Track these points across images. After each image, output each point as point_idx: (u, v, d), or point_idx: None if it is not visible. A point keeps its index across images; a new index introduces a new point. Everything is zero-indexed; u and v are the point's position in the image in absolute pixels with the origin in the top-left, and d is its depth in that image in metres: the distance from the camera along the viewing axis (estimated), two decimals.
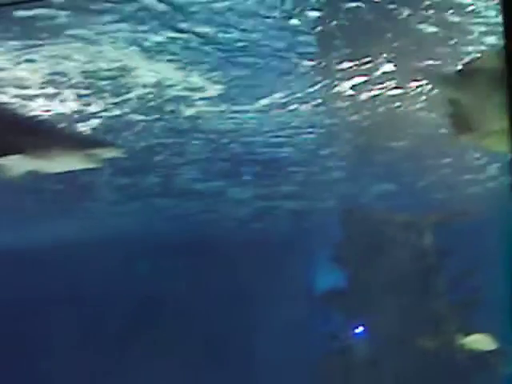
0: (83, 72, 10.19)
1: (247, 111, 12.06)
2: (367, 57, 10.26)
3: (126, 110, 11.67)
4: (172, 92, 11.10)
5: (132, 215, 18.38)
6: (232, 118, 12.38)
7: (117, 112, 11.74)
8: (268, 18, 9.05)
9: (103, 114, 11.72)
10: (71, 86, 10.63)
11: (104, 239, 18.79)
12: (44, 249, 18.89)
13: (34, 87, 10.54)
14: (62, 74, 10.19)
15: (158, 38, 9.40)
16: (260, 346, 19.44)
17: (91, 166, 6.27)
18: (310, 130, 13.20)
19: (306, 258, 20.08)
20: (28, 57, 9.66)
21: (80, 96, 10.90)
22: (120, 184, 15.66)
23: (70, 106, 11.17)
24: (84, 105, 11.28)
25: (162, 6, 8.63)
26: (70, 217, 18.05)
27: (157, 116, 12.03)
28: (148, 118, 12.08)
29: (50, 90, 10.68)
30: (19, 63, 9.75)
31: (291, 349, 18.79)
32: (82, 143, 6.25)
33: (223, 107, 11.80)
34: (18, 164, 6.12)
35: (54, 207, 17.22)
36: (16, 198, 15.33)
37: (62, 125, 6.29)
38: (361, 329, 16.64)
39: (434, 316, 16.07)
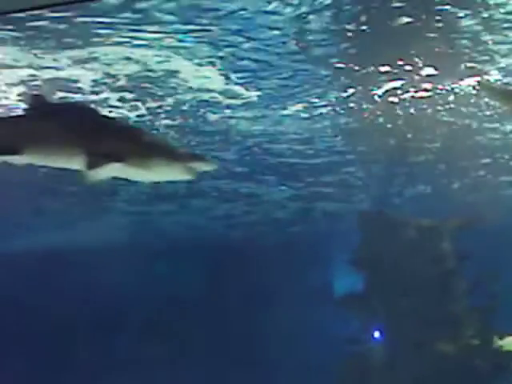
0: (128, 75, 10.54)
1: (281, 115, 12.34)
2: (400, 60, 10.50)
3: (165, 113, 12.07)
4: (210, 96, 11.41)
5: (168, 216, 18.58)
6: (266, 122, 12.69)
7: (155, 115, 12.11)
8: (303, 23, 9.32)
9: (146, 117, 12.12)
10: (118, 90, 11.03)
11: (143, 240, 19.10)
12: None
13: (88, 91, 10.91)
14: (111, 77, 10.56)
15: (198, 45, 9.72)
16: (279, 348, 19.54)
17: (188, 178, 6.27)
18: (340, 133, 13.52)
19: (326, 261, 20.24)
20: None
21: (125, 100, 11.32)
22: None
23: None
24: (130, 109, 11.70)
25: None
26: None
27: (194, 119, 12.35)
28: (185, 120, 12.40)
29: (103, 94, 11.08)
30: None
31: (310, 352, 18.94)
32: (182, 155, 6.31)
33: (259, 112, 12.11)
34: (114, 171, 6.16)
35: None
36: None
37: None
38: (379, 333, 16.70)
39: (453, 320, 16.09)
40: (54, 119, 6.18)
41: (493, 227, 16.26)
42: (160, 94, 11.31)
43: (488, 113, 12.50)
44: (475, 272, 16.29)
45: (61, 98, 10.84)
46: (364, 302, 16.78)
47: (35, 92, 6.82)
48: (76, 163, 6.06)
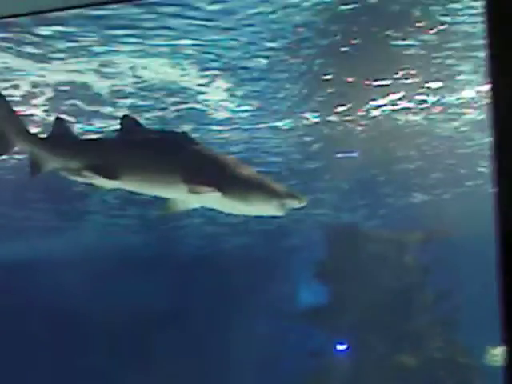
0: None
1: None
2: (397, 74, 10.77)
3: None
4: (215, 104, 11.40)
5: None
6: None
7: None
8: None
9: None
10: None
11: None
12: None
13: None
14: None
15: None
16: (242, 361, 19.26)
17: (280, 214, 6.24)
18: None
19: (289, 274, 20.18)
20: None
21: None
22: None
23: None
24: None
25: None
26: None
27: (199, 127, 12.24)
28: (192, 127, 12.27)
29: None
30: None
31: (273, 365, 18.91)
32: (279, 191, 6.15)
33: (262, 121, 12.16)
34: (210, 201, 6.10)
35: None
36: None
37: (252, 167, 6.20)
38: (342, 346, 16.62)
39: (416, 333, 16.15)
40: (151, 146, 6.17)
41: (455, 239, 16.43)
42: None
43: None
44: (439, 284, 16.38)
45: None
46: (327, 315, 16.69)
47: (128, 115, 6.60)
48: (172, 191, 6.04)
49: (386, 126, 12.49)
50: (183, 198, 6.13)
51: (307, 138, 12.98)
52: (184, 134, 6.55)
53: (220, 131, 12.25)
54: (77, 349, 19.38)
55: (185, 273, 19.89)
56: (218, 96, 11.03)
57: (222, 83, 10.70)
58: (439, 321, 16.25)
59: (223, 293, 19.57)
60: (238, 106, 11.40)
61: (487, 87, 2.58)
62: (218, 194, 5.96)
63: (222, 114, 11.67)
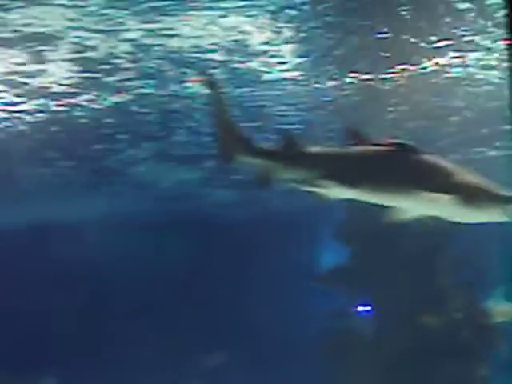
0: None
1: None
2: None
3: None
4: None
5: None
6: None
7: None
8: None
9: None
10: None
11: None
12: None
13: None
14: None
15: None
16: (264, 325, 19.32)
17: (501, 220, 6.24)
18: None
19: (310, 235, 20.10)
20: None
21: None
22: None
23: None
24: None
25: None
26: None
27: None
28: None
29: None
30: None
31: (295, 328, 18.92)
32: (500, 197, 6.10)
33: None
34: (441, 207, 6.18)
35: None
36: None
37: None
38: (365, 308, 16.65)
39: (438, 294, 16.22)
40: (380, 155, 6.37)
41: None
42: None
43: None
44: (462, 247, 16.38)
45: None
46: (350, 276, 16.63)
47: (354, 127, 6.65)
48: (403, 200, 6.23)
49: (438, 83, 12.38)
50: (412, 206, 6.14)
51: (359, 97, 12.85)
52: (408, 143, 6.56)
53: (272, 89, 12.23)
54: (102, 313, 19.33)
55: (208, 238, 19.79)
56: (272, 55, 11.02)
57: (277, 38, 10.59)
58: (462, 282, 16.30)
59: (245, 256, 19.62)
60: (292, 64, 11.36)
61: None
62: (450, 201, 5.96)
63: (273, 75, 11.70)
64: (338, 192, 6.42)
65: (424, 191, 6.04)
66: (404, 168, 6.30)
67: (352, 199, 6.63)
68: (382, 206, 6.50)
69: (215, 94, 6.68)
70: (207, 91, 6.79)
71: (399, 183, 6.26)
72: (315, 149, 6.74)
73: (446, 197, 6.01)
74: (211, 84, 6.76)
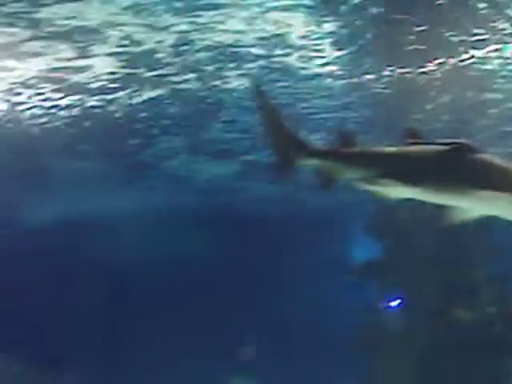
0: None
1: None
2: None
3: None
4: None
5: None
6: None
7: None
8: None
9: None
10: None
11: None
12: None
13: None
14: None
15: None
16: (297, 319, 19.50)
17: None
18: None
19: (343, 231, 20.19)
20: None
21: None
22: None
23: None
24: None
25: None
26: None
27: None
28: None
29: None
30: None
31: (328, 322, 18.99)
32: None
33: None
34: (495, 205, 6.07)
35: None
36: None
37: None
38: (396, 302, 16.62)
39: (471, 288, 16.24)
40: (439, 154, 6.29)
41: None
42: None
43: None
44: (494, 240, 16.37)
45: None
46: (382, 271, 16.68)
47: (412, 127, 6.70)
48: (463, 199, 6.12)
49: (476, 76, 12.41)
50: (472, 205, 6.17)
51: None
52: (467, 143, 6.59)
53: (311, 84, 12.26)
54: (141, 306, 19.67)
55: (243, 233, 19.86)
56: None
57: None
58: (495, 276, 16.26)
59: (278, 250, 19.75)
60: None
61: None
62: (510, 200, 5.96)
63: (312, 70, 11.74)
64: (398, 191, 6.42)
65: (483, 190, 6.05)
66: (463, 168, 6.21)
67: (412, 198, 6.64)
68: (442, 206, 6.53)
69: (265, 104, 6.68)
70: (256, 101, 6.78)
71: (459, 183, 6.19)
72: (374, 147, 6.76)
73: (506, 196, 6.01)
74: (260, 93, 6.75)
